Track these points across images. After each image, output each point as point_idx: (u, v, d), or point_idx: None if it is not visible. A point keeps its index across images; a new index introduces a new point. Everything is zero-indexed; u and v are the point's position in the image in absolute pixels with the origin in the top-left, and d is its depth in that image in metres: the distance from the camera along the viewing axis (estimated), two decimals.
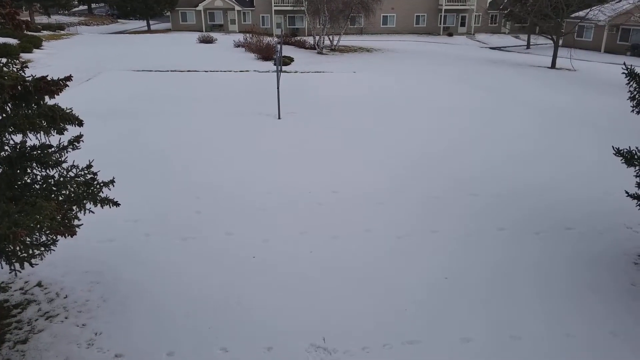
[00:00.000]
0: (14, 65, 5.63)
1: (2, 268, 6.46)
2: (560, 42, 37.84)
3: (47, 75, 5.56)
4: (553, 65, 36.16)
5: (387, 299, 8.10)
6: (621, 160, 9.06)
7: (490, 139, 17.03)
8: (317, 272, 8.85)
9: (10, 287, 7.99)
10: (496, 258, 9.43)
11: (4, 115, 5.64)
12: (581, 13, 40.48)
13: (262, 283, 8.46)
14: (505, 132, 17.99)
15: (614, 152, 9.13)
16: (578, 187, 12.91)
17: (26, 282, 8.16)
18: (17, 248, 5.39)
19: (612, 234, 10.41)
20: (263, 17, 59.24)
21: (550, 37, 37.96)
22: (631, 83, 8.88)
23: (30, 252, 5.60)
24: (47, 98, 5.68)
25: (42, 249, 6.00)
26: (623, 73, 8.96)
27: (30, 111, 5.60)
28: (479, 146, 16.24)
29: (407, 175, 13.56)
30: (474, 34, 61.63)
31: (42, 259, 6.33)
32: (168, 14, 62.15)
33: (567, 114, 21.01)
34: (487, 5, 61.73)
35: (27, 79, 5.44)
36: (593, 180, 13.37)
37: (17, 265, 5.81)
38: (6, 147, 6.22)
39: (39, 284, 8.13)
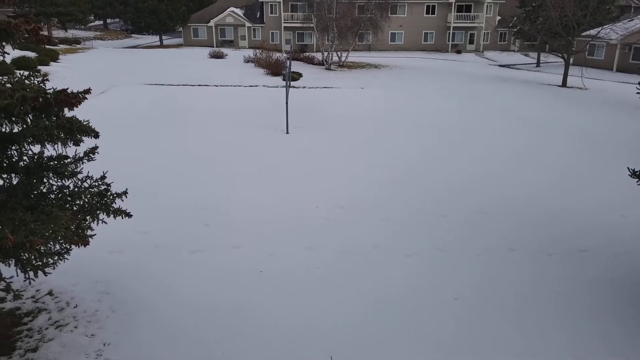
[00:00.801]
0: (35, 78, 5.81)
1: (17, 276, 6.57)
2: (571, 60, 37.85)
3: (67, 88, 5.72)
4: (564, 84, 36.13)
5: (396, 319, 8.07)
6: (637, 182, 9.01)
7: (500, 157, 17.05)
8: (324, 289, 8.87)
9: (22, 295, 8.09)
10: (507, 280, 9.35)
11: (25, 126, 5.81)
12: (592, 31, 40.53)
13: (269, 298, 8.50)
14: (515, 150, 18.01)
15: (630, 174, 9.07)
16: (592, 208, 12.81)
17: (37, 290, 8.27)
18: (32, 256, 5.50)
19: (629, 257, 10.25)
20: (273, 33, 59.92)
21: (560, 55, 38.01)
22: None
23: (45, 260, 5.70)
24: (66, 110, 5.85)
25: (56, 257, 6.10)
26: (638, 93, 8.92)
27: (49, 123, 5.76)
28: (489, 164, 16.27)
29: (415, 192, 13.60)
30: (482, 52, 61.88)
31: (54, 268, 6.41)
32: (180, 29, 63.09)
33: (580, 133, 20.98)
34: (496, 23, 62.04)
35: (48, 91, 5.61)
36: (607, 201, 13.26)
37: (31, 274, 5.91)
38: (24, 157, 6.38)
39: (50, 293, 8.23)
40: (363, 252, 10.21)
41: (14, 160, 6.23)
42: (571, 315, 8.23)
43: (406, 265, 9.79)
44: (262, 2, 60.08)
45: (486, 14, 60.89)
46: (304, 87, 30.03)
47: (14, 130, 5.95)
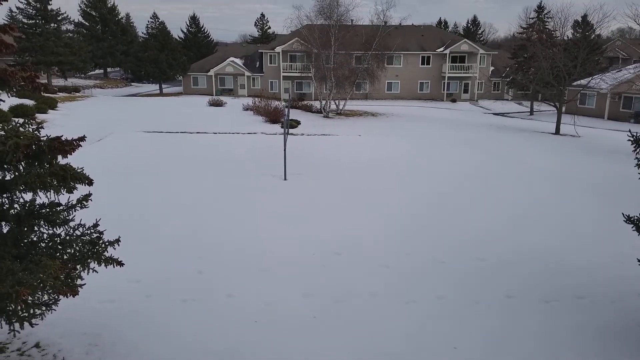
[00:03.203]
0: (30, 126, 5.80)
1: (1, 327, 6.35)
2: (564, 109, 38.52)
3: (61, 136, 5.69)
4: (557, 132, 36.63)
5: None
6: (632, 227, 8.99)
7: (495, 203, 17.01)
8: (320, 338, 8.63)
9: (8, 348, 7.80)
10: (506, 327, 9.17)
11: (17, 173, 5.75)
12: (583, 81, 41.44)
13: (263, 349, 8.24)
14: (510, 196, 18.00)
15: (624, 220, 9.06)
16: (587, 253, 12.73)
17: (24, 342, 7.98)
18: (19, 307, 5.32)
19: (624, 303, 10.13)
20: (272, 82, 61.06)
21: (553, 104, 38.69)
22: (638, 150, 8.91)
23: (32, 311, 5.53)
24: (59, 157, 5.80)
25: (44, 308, 5.92)
26: (629, 140, 9.03)
27: (42, 170, 5.70)
28: (485, 210, 16.21)
29: (412, 238, 13.48)
30: (477, 100, 62.99)
31: (42, 319, 6.22)
32: (180, 78, 64.29)
33: (573, 180, 21.06)
34: (490, 73, 63.48)
35: (42, 138, 5.58)
36: (602, 247, 13.20)
37: (16, 325, 5.71)
38: (16, 205, 6.28)
39: (37, 345, 7.94)
40: (361, 300, 10.01)
41: (4, 208, 6.14)
42: None
43: (405, 313, 9.58)
44: (262, 52, 61.54)
45: (480, 64, 62.41)
46: (302, 135, 30.30)
47: (6, 178, 5.88)
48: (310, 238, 13.23)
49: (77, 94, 53.34)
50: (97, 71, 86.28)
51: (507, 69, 59.20)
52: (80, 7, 77.77)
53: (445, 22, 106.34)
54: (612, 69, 55.62)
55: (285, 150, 19.51)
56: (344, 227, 14.16)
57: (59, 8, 58.10)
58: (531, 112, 52.59)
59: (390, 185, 18.98)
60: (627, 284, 10.89)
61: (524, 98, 60.20)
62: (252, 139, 28.37)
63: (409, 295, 10.26)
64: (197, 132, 29.48)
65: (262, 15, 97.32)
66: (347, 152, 25.47)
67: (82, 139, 5.95)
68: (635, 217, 8.91)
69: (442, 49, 62.30)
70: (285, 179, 19.21)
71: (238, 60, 62.10)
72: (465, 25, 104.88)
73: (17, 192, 6.02)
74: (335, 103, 44.43)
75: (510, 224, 14.86)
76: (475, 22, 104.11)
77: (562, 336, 8.87)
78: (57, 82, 61.83)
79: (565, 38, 43.88)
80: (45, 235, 6.62)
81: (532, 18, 58.41)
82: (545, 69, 36.76)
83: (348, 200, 16.89)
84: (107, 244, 6.94)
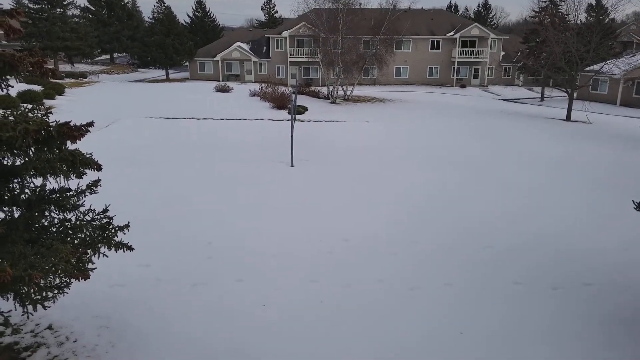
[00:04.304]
0: (39, 111, 5.84)
1: (15, 310, 6.46)
2: (575, 94, 38.01)
3: (70, 121, 5.73)
4: (568, 118, 36.23)
5: (400, 355, 7.89)
6: None
7: (504, 190, 16.96)
8: (327, 323, 8.70)
9: (22, 330, 7.96)
10: (513, 314, 9.19)
11: (27, 159, 5.80)
12: (596, 67, 40.84)
13: (271, 333, 8.33)
14: (519, 183, 17.93)
15: (635, 207, 9.03)
16: (595, 241, 12.68)
17: (37, 324, 8.13)
18: (32, 290, 5.41)
19: (633, 291, 10.09)
20: (278, 67, 60.79)
21: (564, 89, 38.21)
22: None
23: (44, 294, 5.61)
24: (68, 143, 5.84)
25: (56, 291, 6.00)
26: None
27: (52, 155, 5.75)
28: (493, 197, 16.17)
29: (419, 225, 13.49)
30: (487, 86, 62.44)
31: (54, 302, 6.32)
32: (186, 63, 64.19)
33: (583, 167, 20.92)
34: (500, 58, 62.80)
35: (51, 124, 5.62)
36: (611, 234, 13.13)
37: (30, 308, 5.81)
38: (26, 190, 6.35)
39: (50, 327, 8.09)
40: (368, 285, 10.06)
41: (15, 193, 6.21)
42: (579, 350, 8.00)
43: (412, 299, 9.63)
44: (269, 37, 61.20)
45: (490, 49, 61.74)
46: (310, 121, 30.23)
47: (16, 163, 5.94)
48: (317, 224, 13.28)
49: (84, 80, 53.44)
50: (103, 57, 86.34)
51: (519, 54, 58.46)
52: None
53: (456, 6, 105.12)
54: (625, 54, 54.76)
55: (292, 136, 19.49)
56: (351, 214, 14.19)
57: None
58: (542, 98, 52.04)
59: (398, 172, 18.95)
60: (636, 271, 10.86)
61: (534, 84, 59.51)
62: (259, 125, 28.35)
63: (416, 282, 10.31)
64: (204, 118, 29.48)
65: None
66: (355, 138, 25.40)
67: (91, 124, 5.98)
68: None
69: (452, 33, 61.62)
70: (292, 166, 19.22)
71: (244, 45, 61.84)
72: (476, 9, 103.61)
73: (27, 177, 6.09)
74: (343, 89, 44.20)
75: (518, 211, 14.82)
76: (486, 5, 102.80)
77: (569, 323, 8.89)
78: (64, 67, 61.97)
79: (579, 22, 43.18)
80: (56, 220, 6.70)
81: (545, 1, 57.50)
82: (558, 54, 36.22)
83: (355, 186, 16.90)
84: (117, 229, 7.00)
